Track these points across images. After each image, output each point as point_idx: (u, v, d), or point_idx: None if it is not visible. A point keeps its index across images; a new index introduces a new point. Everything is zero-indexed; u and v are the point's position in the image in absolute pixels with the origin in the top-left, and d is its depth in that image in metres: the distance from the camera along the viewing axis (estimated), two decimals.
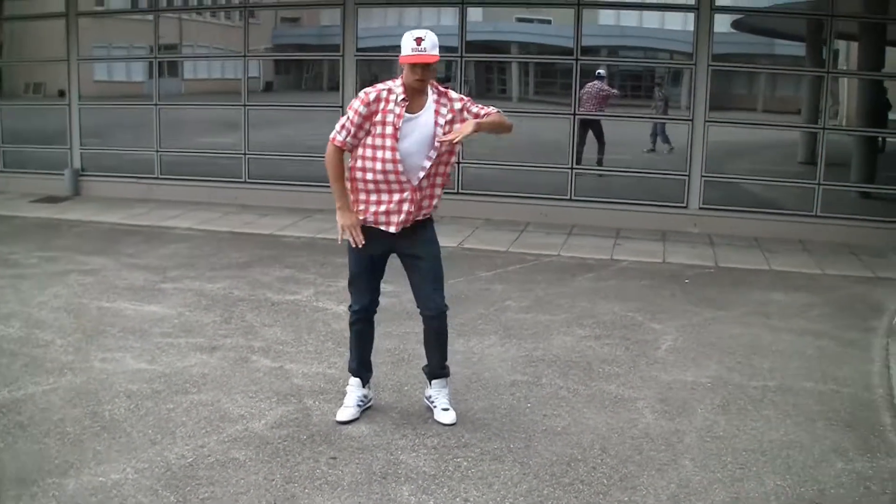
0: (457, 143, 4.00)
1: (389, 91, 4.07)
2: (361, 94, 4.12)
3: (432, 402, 4.48)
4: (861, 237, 9.10)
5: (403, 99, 4.04)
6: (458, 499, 3.62)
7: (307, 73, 12.12)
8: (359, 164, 4.13)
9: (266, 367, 5.20)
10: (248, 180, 11.06)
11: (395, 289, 5.80)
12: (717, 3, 9.44)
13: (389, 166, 4.06)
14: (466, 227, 9.63)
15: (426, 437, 4.22)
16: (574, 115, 9.97)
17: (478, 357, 5.46)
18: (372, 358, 4.57)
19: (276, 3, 11.90)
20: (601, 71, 10.08)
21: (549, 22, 11.00)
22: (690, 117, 9.63)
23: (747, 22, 10.12)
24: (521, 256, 8.38)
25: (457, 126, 4.08)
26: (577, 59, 9.88)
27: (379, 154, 4.06)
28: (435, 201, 4.28)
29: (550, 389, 4.91)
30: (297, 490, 3.68)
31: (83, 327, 5.89)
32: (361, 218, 4.18)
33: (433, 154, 4.11)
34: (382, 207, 4.16)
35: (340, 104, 10.44)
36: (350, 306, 4.46)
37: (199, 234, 9.23)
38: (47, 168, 11.78)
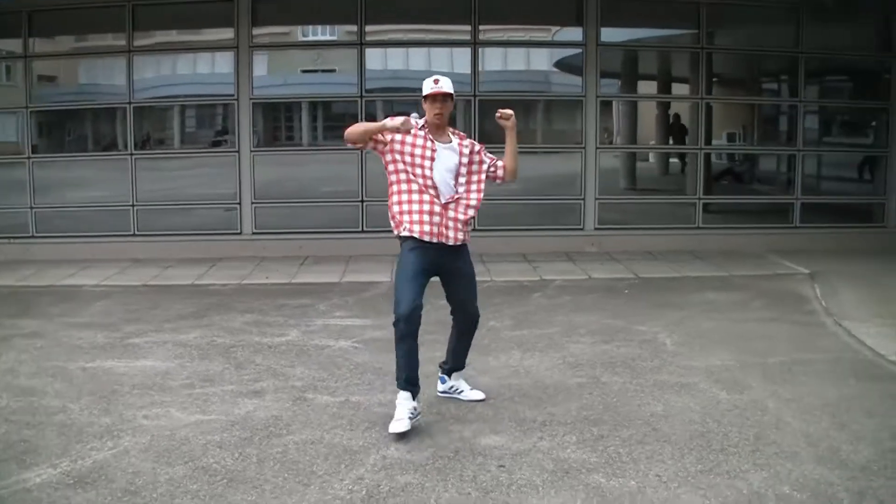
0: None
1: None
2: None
3: (458, 390, 4.97)
4: (740, 244, 10.30)
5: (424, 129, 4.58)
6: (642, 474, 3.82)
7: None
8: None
9: (333, 402, 4.95)
10: (137, 233, 10.32)
11: None
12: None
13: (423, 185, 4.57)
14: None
15: (565, 436, 4.33)
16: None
17: (524, 369, 5.57)
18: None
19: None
20: None
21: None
22: (583, 145, 10.42)
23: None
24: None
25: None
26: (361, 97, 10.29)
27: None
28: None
29: (619, 386, 5.17)
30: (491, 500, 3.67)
31: (87, 389, 5.24)
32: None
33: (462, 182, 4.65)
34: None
35: (237, 149, 10.16)
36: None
37: (115, 290, 8.46)
38: None
